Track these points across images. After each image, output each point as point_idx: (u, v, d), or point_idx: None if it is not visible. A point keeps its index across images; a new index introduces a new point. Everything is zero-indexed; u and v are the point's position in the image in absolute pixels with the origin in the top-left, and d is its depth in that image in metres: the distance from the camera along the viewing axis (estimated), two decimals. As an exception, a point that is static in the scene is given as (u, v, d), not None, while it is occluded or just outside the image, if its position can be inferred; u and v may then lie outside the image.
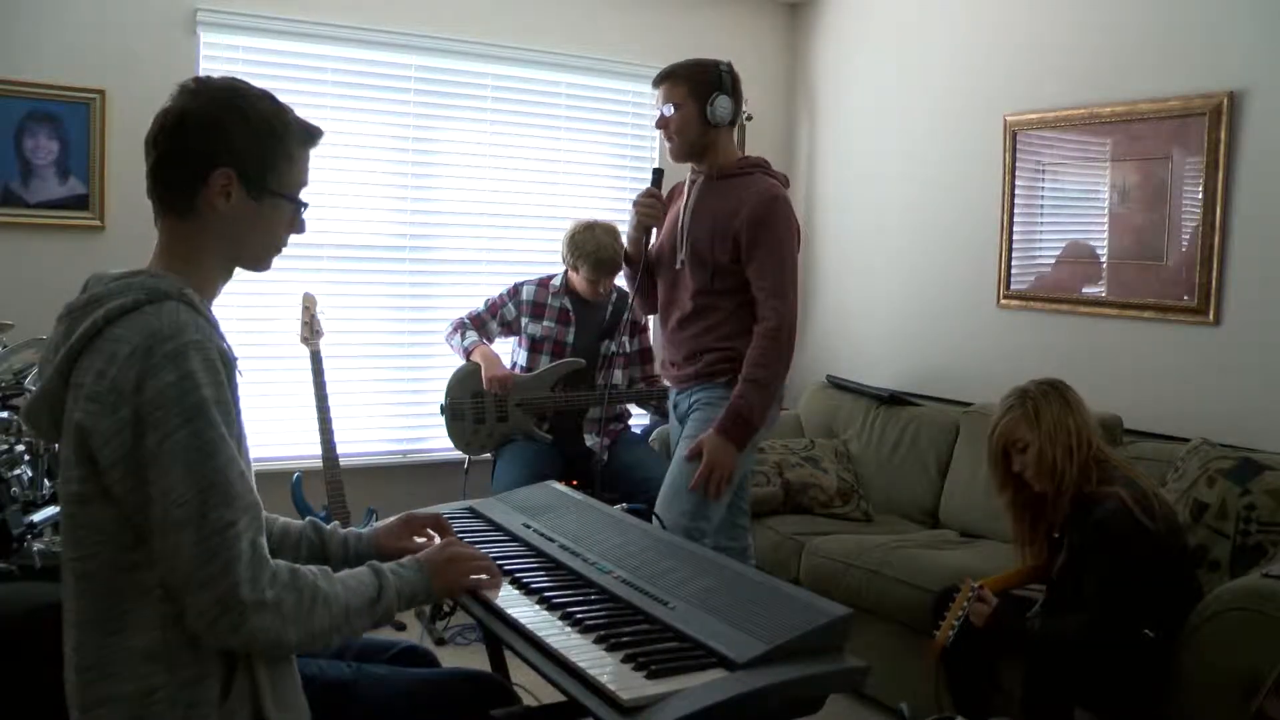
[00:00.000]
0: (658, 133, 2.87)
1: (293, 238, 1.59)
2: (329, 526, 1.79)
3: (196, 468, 1.30)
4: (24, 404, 1.46)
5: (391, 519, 1.86)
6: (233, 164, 1.45)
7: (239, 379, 1.41)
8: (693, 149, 2.75)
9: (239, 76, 1.58)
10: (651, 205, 2.82)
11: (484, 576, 1.69)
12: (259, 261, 1.56)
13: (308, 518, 1.81)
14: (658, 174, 2.89)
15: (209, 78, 1.52)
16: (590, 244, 3.76)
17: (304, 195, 1.57)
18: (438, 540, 1.81)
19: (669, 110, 2.72)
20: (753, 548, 3.05)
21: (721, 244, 2.69)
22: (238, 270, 1.56)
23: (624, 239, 3.15)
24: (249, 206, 1.48)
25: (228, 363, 1.38)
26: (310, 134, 1.55)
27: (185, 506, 1.29)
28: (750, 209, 2.65)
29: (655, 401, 3.98)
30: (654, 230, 2.88)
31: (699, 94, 2.69)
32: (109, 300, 1.37)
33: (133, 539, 1.34)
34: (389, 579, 1.53)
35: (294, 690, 1.48)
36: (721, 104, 2.68)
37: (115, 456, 1.31)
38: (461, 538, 1.91)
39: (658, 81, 2.75)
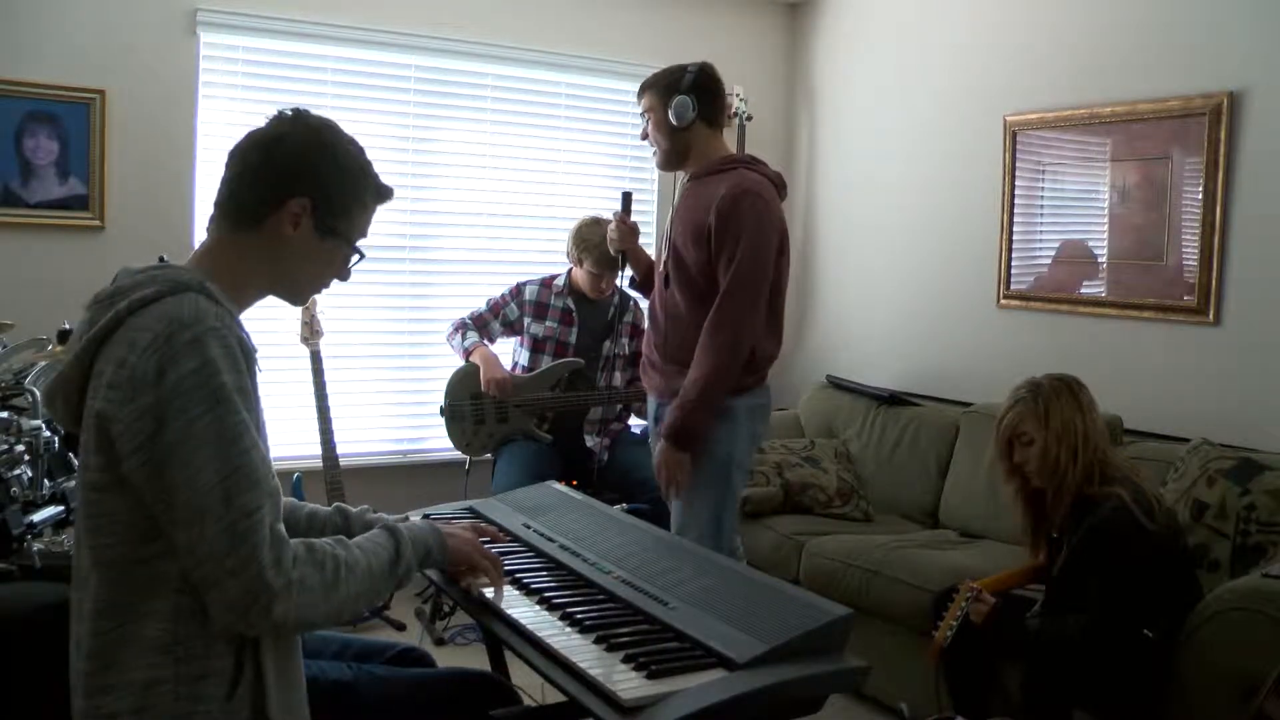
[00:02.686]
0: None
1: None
2: (356, 510, 1.80)
3: (221, 453, 1.31)
4: (44, 386, 1.47)
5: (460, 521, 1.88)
6: (312, 195, 1.49)
7: (259, 371, 1.43)
8: (669, 155, 2.74)
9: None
10: (620, 231, 2.89)
11: (489, 567, 1.71)
12: (299, 295, 1.59)
13: (335, 504, 1.82)
14: (626, 198, 2.94)
15: (309, 112, 1.55)
16: (596, 237, 3.76)
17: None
18: None
19: (646, 121, 2.74)
20: (743, 550, 3.02)
21: (696, 244, 2.64)
22: None
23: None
24: (312, 242, 1.52)
25: (247, 351, 1.39)
26: (384, 192, 1.60)
27: (210, 493, 1.30)
28: (718, 204, 2.59)
29: (640, 403, 3.92)
30: (629, 253, 2.94)
31: (663, 99, 2.68)
32: (132, 292, 1.38)
33: (150, 530, 1.35)
34: (403, 534, 1.55)
35: (299, 693, 1.48)
36: (679, 103, 2.65)
37: (134, 444, 1.31)
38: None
39: (638, 95, 2.78)
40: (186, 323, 1.33)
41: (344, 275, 1.61)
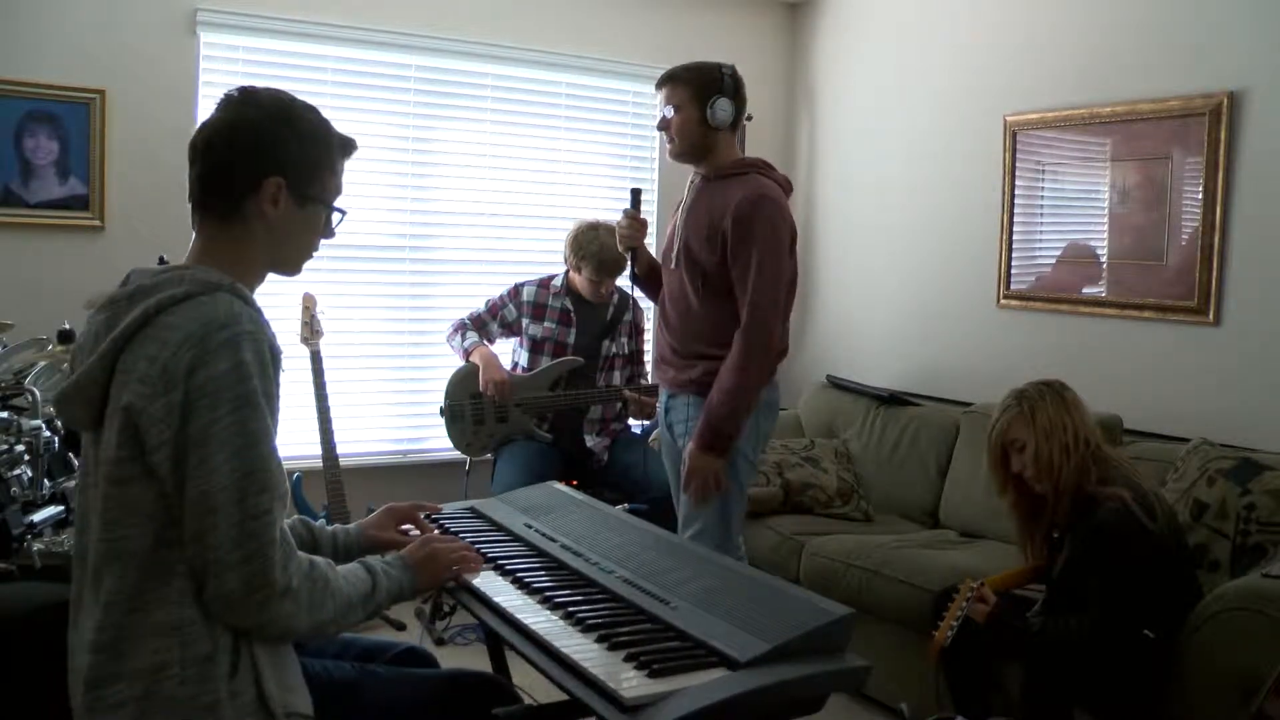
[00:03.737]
0: (657, 133, 2.86)
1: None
2: (318, 523, 1.85)
3: (240, 454, 1.35)
4: (58, 389, 1.48)
5: (375, 512, 1.94)
6: (284, 173, 1.51)
7: (282, 371, 1.47)
8: (692, 150, 2.75)
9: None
10: (630, 227, 2.86)
11: (458, 568, 1.76)
12: (294, 266, 1.63)
13: (296, 515, 1.85)
14: (635, 194, 2.91)
15: (255, 88, 1.57)
16: (594, 245, 3.77)
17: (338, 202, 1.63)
18: (416, 534, 1.90)
19: (670, 112, 2.73)
20: (743, 548, 3.01)
21: (710, 245, 2.67)
22: None
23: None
24: (294, 213, 1.55)
25: (275, 355, 1.43)
26: (348, 145, 1.63)
27: (225, 491, 1.34)
28: (735, 208, 2.62)
29: (638, 405, 3.90)
30: (638, 250, 2.91)
31: (700, 96, 2.69)
32: (159, 291, 1.40)
33: (168, 519, 1.38)
34: (381, 576, 1.60)
35: (295, 673, 1.50)
36: (721, 106, 2.68)
37: (163, 437, 1.34)
38: (462, 537, 1.94)
39: (660, 83, 2.77)
40: (222, 323, 1.36)
41: (328, 234, 1.63)
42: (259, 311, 1.45)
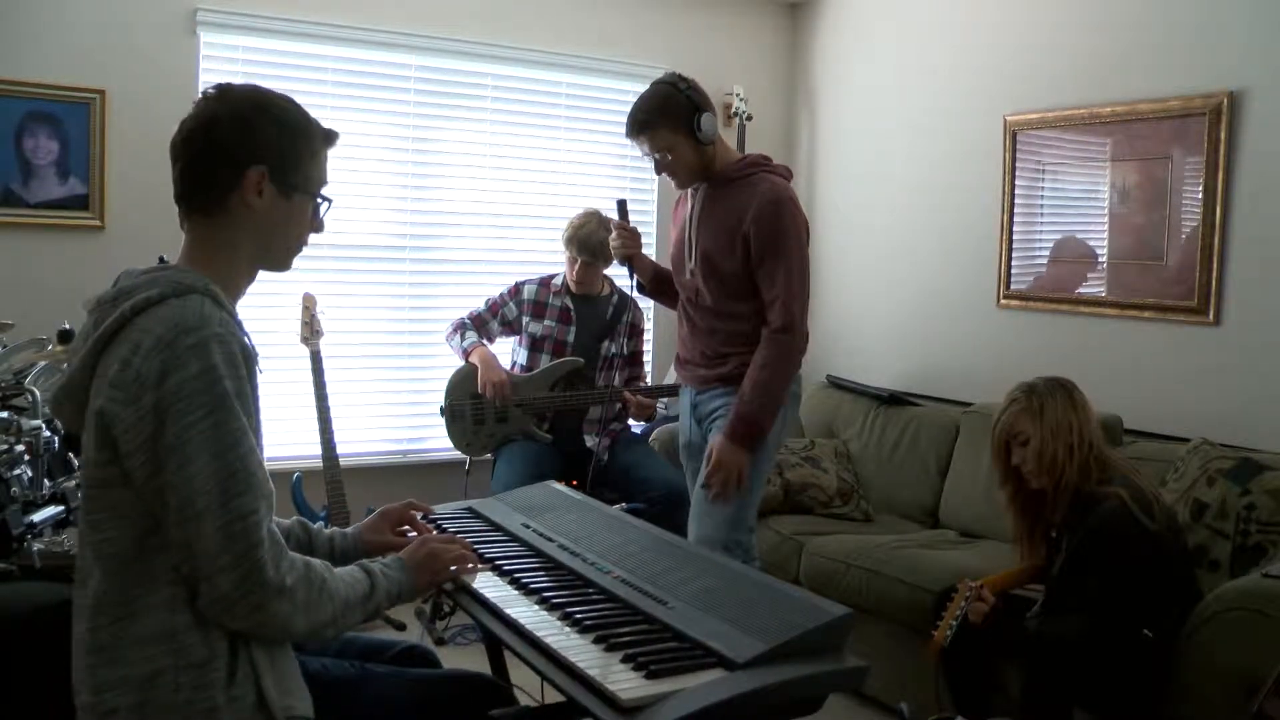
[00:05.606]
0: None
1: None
2: (315, 526, 1.84)
3: (220, 457, 1.34)
4: (51, 392, 1.51)
5: (370, 516, 1.93)
6: (265, 162, 1.51)
7: (259, 374, 1.45)
8: (697, 172, 2.72)
9: (242, 77, 1.62)
10: (621, 238, 2.88)
11: (457, 568, 1.75)
12: (282, 261, 1.61)
13: (294, 517, 1.84)
14: (621, 205, 2.92)
15: (231, 84, 1.57)
16: (583, 229, 3.80)
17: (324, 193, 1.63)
18: (414, 535, 1.89)
19: (663, 158, 2.68)
20: (756, 548, 3.03)
21: (730, 250, 2.68)
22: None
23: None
24: (279, 204, 1.54)
25: (249, 357, 1.42)
26: (329, 135, 1.62)
27: (208, 495, 1.33)
28: (756, 213, 2.63)
29: (638, 405, 3.90)
30: (634, 260, 2.93)
31: (683, 128, 2.63)
32: (136, 293, 1.40)
33: (150, 524, 1.38)
34: (379, 578, 1.60)
35: (294, 675, 1.50)
36: (705, 121, 2.63)
37: (136, 444, 1.34)
38: (460, 537, 1.93)
39: (634, 133, 2.69)
40: (191, 326, 1.36)
41: (318, 226, 1.63)
42: (232, 314, 1.45)
